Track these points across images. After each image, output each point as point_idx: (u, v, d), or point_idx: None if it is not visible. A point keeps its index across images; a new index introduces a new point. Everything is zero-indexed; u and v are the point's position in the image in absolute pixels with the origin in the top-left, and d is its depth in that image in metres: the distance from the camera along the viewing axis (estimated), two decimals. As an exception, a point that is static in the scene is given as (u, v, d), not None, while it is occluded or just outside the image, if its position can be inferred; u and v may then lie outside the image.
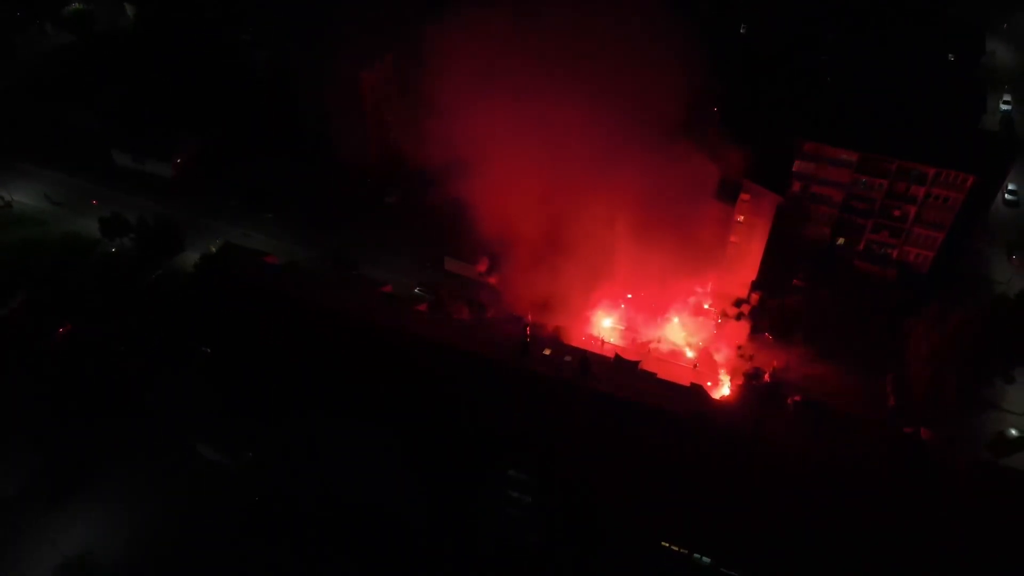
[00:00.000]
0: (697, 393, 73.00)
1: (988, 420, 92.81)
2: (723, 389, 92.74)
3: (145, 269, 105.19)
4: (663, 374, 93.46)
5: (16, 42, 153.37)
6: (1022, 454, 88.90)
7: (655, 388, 71.68)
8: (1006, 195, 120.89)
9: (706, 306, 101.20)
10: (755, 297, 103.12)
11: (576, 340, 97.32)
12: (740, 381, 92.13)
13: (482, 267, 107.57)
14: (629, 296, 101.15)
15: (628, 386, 69.56)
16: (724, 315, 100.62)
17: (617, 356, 78.73)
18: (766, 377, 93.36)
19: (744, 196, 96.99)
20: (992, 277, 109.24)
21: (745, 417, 70.17)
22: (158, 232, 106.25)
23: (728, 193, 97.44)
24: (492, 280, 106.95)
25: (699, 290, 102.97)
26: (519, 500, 68.89)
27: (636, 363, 78.35)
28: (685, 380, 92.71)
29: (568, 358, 72.15)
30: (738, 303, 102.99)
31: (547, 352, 73.30)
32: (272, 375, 75.26)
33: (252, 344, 75.59)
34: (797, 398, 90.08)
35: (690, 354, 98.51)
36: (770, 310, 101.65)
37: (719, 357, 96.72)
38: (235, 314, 76.73)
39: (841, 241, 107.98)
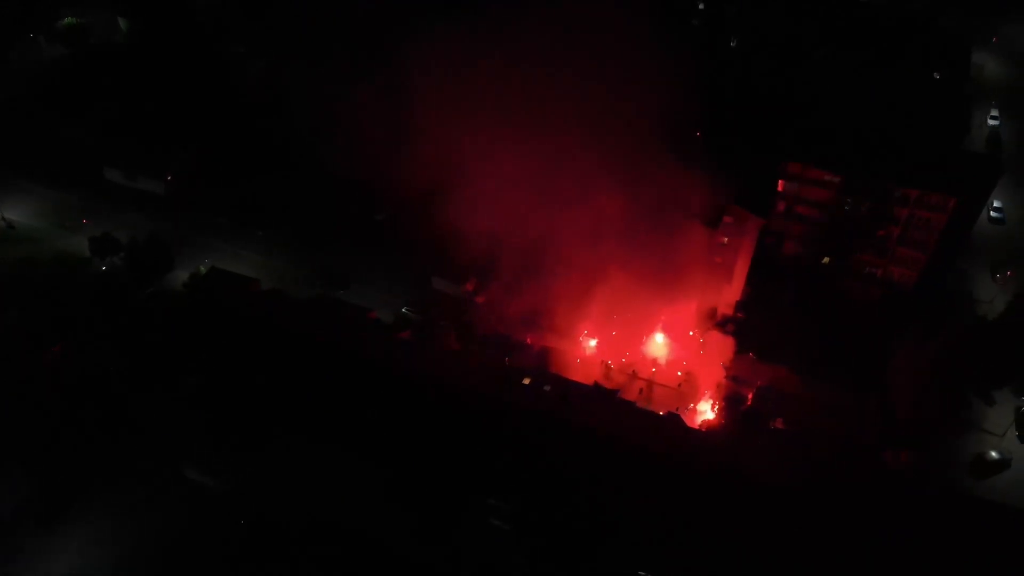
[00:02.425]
0: (674, 423, 73.77)
1: (969, 441, 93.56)
2: (706, 412, 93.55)
3: (135, 288, 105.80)
4: (646, 395, 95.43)
5: (10, 55, 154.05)
6: (1002, 475, 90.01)
7: (633, 418, 72.45)
8: (991, 212, 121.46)
9: (691, 333, 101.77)
10: (740, 316, 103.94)
11: (563, 361, 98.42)
12: (723, 403, 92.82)
13: (470, 287, 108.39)
14: (615, 318, 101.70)
15: (606, 416, 70.30)
16: (708, 335, 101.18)
17: (596, 384, 79.54)
18: (749, 398, 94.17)
19: (727, 218, 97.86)
20: (976, 296, 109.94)
21: (723, 447, 70.92)
22: (148, 251, 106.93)
23: (711, 215, 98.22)
24: (480, 300, 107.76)
25: (684, 310, 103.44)
26: (500, 527, 69.79)
27: (615, 391, 79.19)
28: (669, 401, 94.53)
29: (548, 387, 73.02)
30: (723, 323, 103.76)
31: (527, 381, 74.17)
32: (257, 402, 76.18)
33: (237, 371, 76.46)
34: (779, 421, 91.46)
35: (677, 374, 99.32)
36: (755, 329, 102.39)
37: (703, 377, 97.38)
38: (220, 342, 77.61)
39: (826, 260, 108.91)
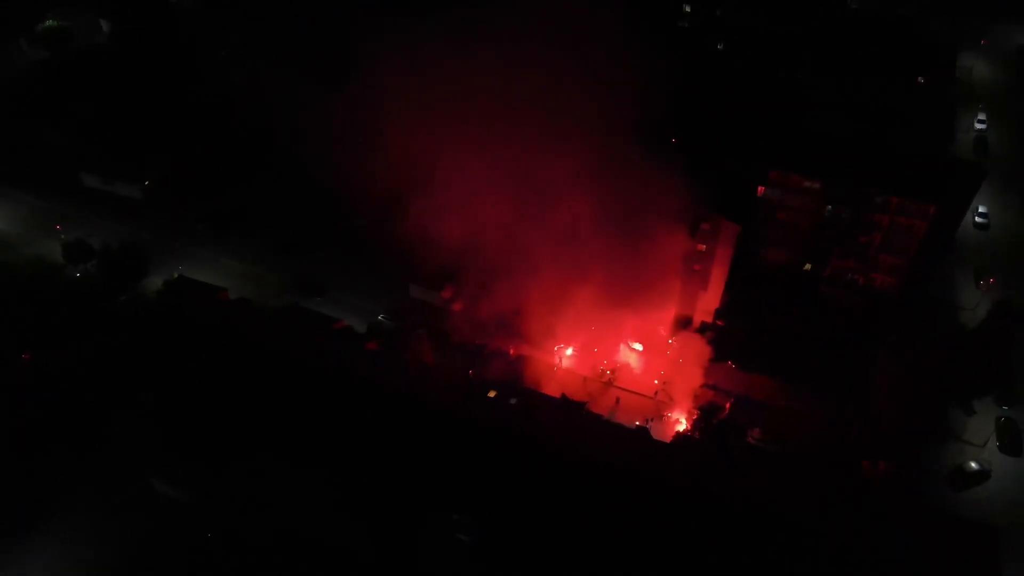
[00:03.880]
0: (642, 437, 72.57)
1: (949, 452, 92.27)
2: (681, 422, 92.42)
3: (108, 296, 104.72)
4: (623, 404, 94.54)
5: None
6: (981, 487, 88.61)
7: (599, 432, 71.25)
8: (976, 217, 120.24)
9: (670, 341, 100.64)
10: (719, 324, 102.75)
11: (539, 369, 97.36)
12: (698, 413, 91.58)
13: (447, 294, 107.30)
14: (592, 326, 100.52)
15: (571, 430, 69.13)
16: (685, 343, 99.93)
17: (563, 397, 78.37)
18: (726, 408, 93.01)
19: (705, 225, 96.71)
20: (959, 303, 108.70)
21: (693, 462, 69.64)
22: (121, 258, 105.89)
23: (689, 222, 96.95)
24: (457, 307, 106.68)
25: (661, 318, 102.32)
26: (463, 542, 68.61)
27: (583, 404, 78.02)
28: (645, 411, 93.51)
29: (513, 400, 71.84)
30: (702, 330, 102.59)
31: (492, 394, 73.00)
32: (220, 415, 75.09)
33: (198, 384, 75.33)
34: (756, 432, 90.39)
35: (655, 382, 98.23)
36: (734, 337, 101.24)
37: (680, 387, 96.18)
38: (182, 353, 76.50)
39: (808, 267, 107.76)
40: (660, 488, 65.65)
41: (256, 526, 78.90)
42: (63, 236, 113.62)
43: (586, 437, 69.59)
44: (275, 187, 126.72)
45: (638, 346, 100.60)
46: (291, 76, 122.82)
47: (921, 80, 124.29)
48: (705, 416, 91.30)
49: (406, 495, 70.20)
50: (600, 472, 65.96)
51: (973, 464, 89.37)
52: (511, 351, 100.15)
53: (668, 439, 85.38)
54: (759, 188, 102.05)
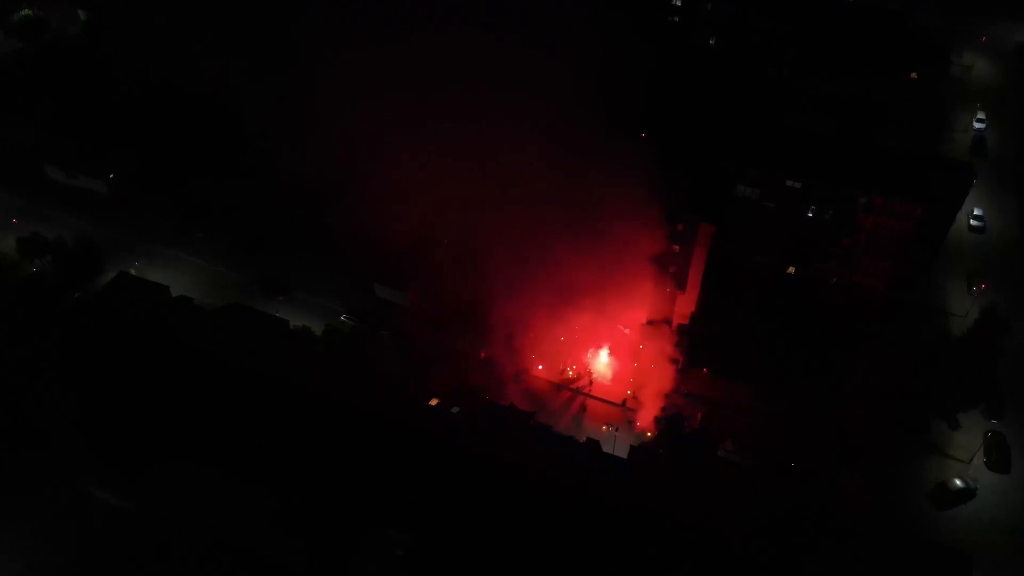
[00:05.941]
0: (592, 450, 68.03)
1: (932, 467, 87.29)
2: (647, 431, 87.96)
3: (62, 292, 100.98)
4: (591, 411, 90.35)
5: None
6: (966, 506, 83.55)
7: (546, 444, 66.75)
8: (971, 220, 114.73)
9: (640, 347, 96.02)
10: (694, 328, 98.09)
11: (505, 372, 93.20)
12: (666, 424, 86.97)
13: (413, 293, 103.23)
14: (561, 331, 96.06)
15: (517, 442, 64.72)
16: (657, 348, 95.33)
17: (512, 406, 73.95)
18: (697, 417, 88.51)
19: (679, 226, 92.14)
20: (949, 309, 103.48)
21: (644, 479, 65.12)
22: (76, 253, 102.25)
23: (663, 223, 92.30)
24: (423, 308, 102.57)
25: (633, 322, 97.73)
26: (399, 557, 64.44)
27: (532, 414, 73.57)
28: (612, 418, 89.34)
29: (456, 409, 67.49)
30: (680, 331, 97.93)
31: (434, 402, 68.67)
32: (158, 420, 71.17)
33: (135, 388, 71.35)
34: (727, 444, 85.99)
35: (628, 392, 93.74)
36: (709, 343, 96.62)
37: (650, 394, 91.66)
38: (120, 354, 72.53)
39: (791, 271, 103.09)
40: (607, 505, 61.20)
41: (190, 537, 74.93)
42: (23, 230, 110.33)
43: (532, 449, 65.16)
44: (242, 184, 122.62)
45: (604, 352, 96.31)
46: (260, 71, 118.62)
47: (913, 76, 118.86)
48: (675, 425, 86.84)
49: (343, 508, 66.04)
50: (544, 487, 61.55)
51: (958, 481, 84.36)
52: (481, 354, 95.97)
53: (638, 447, 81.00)
54: (737, 187, 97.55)
